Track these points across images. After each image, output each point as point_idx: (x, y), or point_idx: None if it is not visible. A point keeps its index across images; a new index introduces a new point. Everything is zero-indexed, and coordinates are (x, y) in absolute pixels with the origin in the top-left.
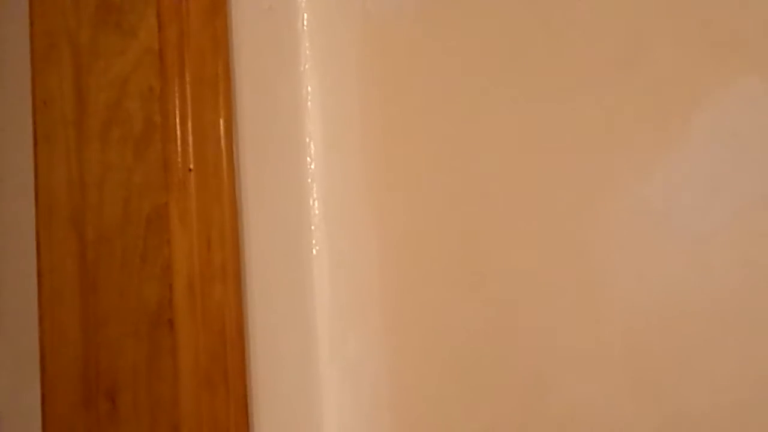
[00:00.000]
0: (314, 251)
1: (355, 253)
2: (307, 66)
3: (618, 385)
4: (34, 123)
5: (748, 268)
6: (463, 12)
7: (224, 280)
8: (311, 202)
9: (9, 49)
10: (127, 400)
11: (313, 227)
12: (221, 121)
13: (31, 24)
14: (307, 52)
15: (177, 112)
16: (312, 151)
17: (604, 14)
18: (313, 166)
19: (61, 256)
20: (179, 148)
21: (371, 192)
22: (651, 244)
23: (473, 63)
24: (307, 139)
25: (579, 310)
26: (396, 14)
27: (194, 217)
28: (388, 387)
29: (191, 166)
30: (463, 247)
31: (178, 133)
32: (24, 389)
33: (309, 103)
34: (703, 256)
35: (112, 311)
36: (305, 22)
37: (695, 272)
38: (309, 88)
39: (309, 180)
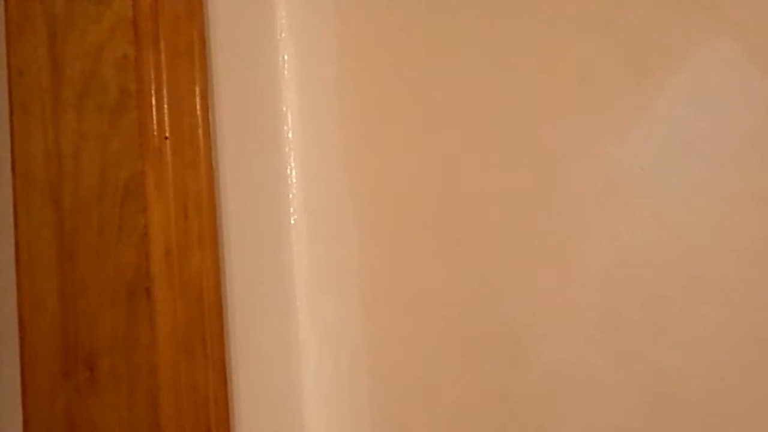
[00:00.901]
0: (292, 220)
1: (333, 221)
2: (283, 34)
3: (595, 347)
4: (10, 93)
5: (721, 229)
6: None
7: (201, 248)
8: (288, 171)
9: None
10: (105, 368)
11: (290, 195)
12: (197, 89)
13: None
14: (284, 20)
15: (152, 80)
16: (289, 120)
17: None
18: (290, 135)
19: (39, 226)
20: (155, 117)
21: (349, 160)
22: (625, 206)
23: (448, 27)
24: (284, 108)
25: (555, 272)
26: None
27: (170, 185)
28: (366, 352)
29: (167, 134)
30: (439, 212)
31: (153, 101)
32: (2, 359)
33: (285, 72)
34: (677, 217)
35: (89, 280)
36: None
37: (669, 233)
38: (285, 57)
39: (286, 149)
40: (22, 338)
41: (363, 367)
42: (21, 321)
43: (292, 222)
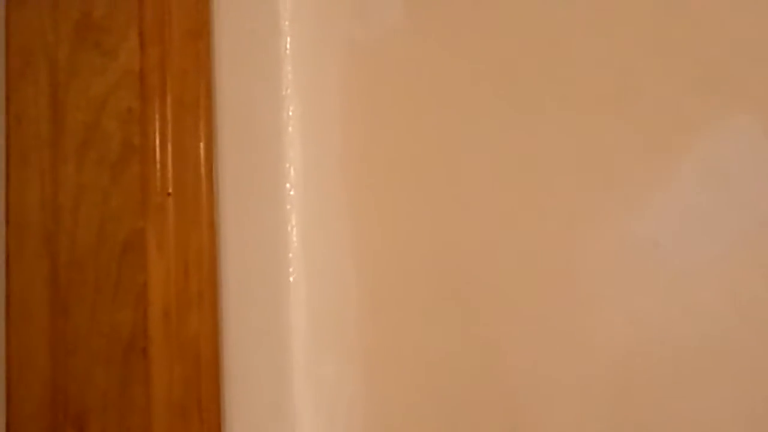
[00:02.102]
0: (291, 279)
1: (333, 281)
2: (288, 90)
3: (603, 425)
4: (8, 141)
5: (734, 306)
6: (451, 42)
7: (200, 307)
8: (289, 229)
9: None
10: (95, 429)
11: (290, 255)
12: (201, 145)
13: (7, 40)
14: (289, 76)
15: (157, 134)
16: (292, 177)
17: (598, 48)
18: (292, 193)
19: (32, 279)
20: (158, 172)
21: (351, 219)
22: (638, 279)
23: (459, 94)
24: (287, 165)
25: (562, 344)
26: (381, 41)
27: (172, 243)
28: (363, 415)
29: (170, 190)
30: (444, 277)
31: (158, 155)
32: None
33: (290, 128)
34: (690, 292)
35: (83, 337)
36: (288, 46)
37: (681, 309)
38: (290, 113)
39: (288, 206)
40: (9, 394)
41: (359, 427)
42: (9, 375)
43: (291, 281)
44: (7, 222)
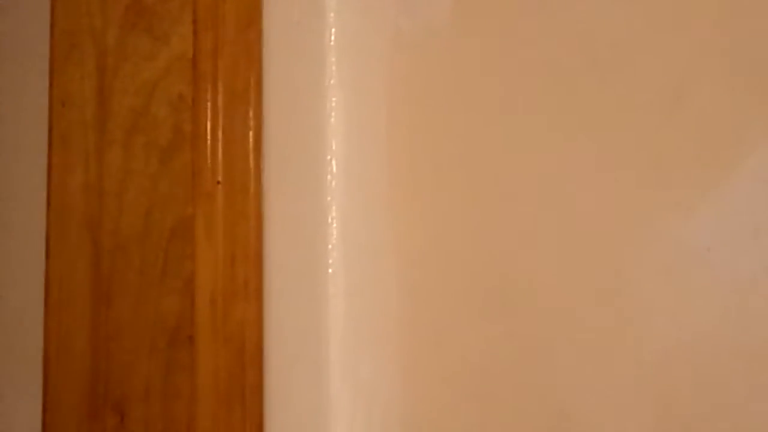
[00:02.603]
0: (330, 270)
1: (372, 275)
2: (332, 81)
3: (646, 427)
4: (51, 124)
5: None
6: (499, 39)
7: (246, 298)
8: (330, 221)
9: (29, 48)
10: (137, 415)
11: (330, 246)
12: (251, 134)
13: (52, 23)
14: (333, 67)
15: (208, 122)
16: (333, 169)
17: (654, 52)
18: (333, 184)
19: (73, 263)
20: (209, 160)
21: (393, 214)
22: (689, 285)
23: (507, 92)
24: (329, 157)
25: (608, 349)
26: (428, 33)
27: (220, 232)
28: (400, 411)
29: (219, 179)
30: (487, 277)
31: (209, 144)
32: (23, 398)
33: (333, 119)
34: (741, 297)
35: (126, 324)
36: (333, 37)
37: (732, 316)
38: (333, 104)
39: (328, 198)
40: (46, 378)
41: (396, 426)
42: (46, 359)
43: (330, 272)
44: (48, 205)
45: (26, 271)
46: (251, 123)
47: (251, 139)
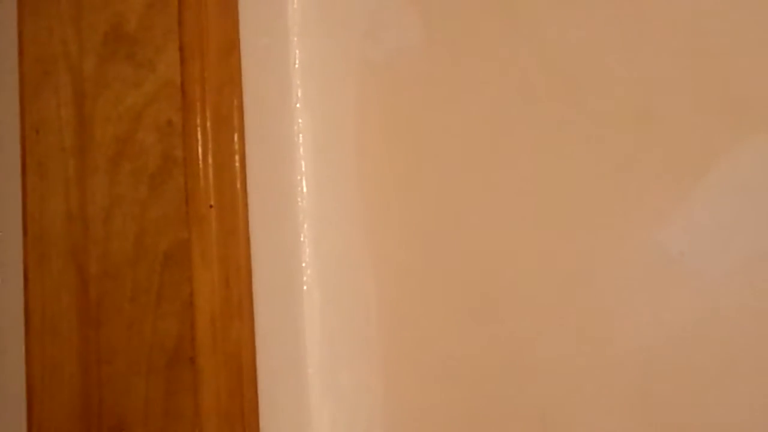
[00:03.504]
0: (305, 287)
1: (348, 289)
2: (298, 104)
3: (625, 424)
4: (23, 152)
5: (758, 314)
6: (469, 62)
7: (240, 317)
8: (302, 239)
9: None
10: None
11: (303, 264)
12: (236, 157)
13: (21, 49)
14: (299, 90)
15: (199, 147)
16: (303, 189)
17: (623, 70)
18: (304, 204)
19: (56, 291)
20: (202, 184)
21: (366, 229)
22: (663, 285)
23: (480, 109)
24: (299, 177)
25: (588, 350)
26: (396, 55)
27: (215, 254)
28: (382, 421)
29: (212, 203)
30: (466, 285)
31: (201, 168)
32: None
33: (300, 140)
34: (712, 298)
35: (119, 348)
36: (297, 61)
37: (703, 313)
38: (300, 125)
39: (300, 217)
40: (30, 406)
41: None
42: (31, 387)
43: (305, 289)
44: (25, 233)
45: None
46: (236, 147)
47: (237, 163)
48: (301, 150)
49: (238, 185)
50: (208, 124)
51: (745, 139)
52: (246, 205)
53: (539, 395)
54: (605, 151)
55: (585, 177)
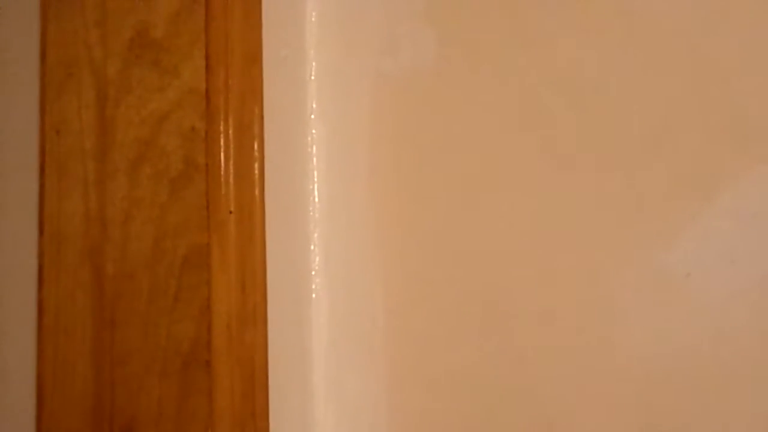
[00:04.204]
0: (314, 296)
1: (356, 299)
2: (312, 115)
3: None
4: (43, 152)
5: (756, 332)
6: (483, 82)
7: (255, 323)
8: (312, 248)
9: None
10: None
11: (313, 272)
12: (256, 165)
13: (44, 51)
14: (314, 101)
15: (221, 154)
16: (315, 199)
17: (635, 95)
18: (316, 214)
19: (71, 290)
20: (223, 190)
21: (376, 240)
22: (670, 307)
23: (492, 128)
24: (311, 187)
25: (593, 364)
26: (411, 71)
27: (233, 260)
28: (385, 430)
29: (232, 209)
30: (469, 299)
31: (222, 174)
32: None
33: (314, 151)
34: (716, 318)
35: (134, 349)
36: (313, 72)
37: (707, 333)
38: (315, 136)
39: (311, 226)
40: (40, 404)
41: None
42: (41, 386)
43: (314, 297)
44: (41, 232)
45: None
46: (256, 154)
47: (256, 170)
48: (315, 160)
49: (257, 192)
50: (231, 131)
51: (752, 169)
52: (263, 212)
53: (545, 406)
54: (615, 171)
55: (594, 195)
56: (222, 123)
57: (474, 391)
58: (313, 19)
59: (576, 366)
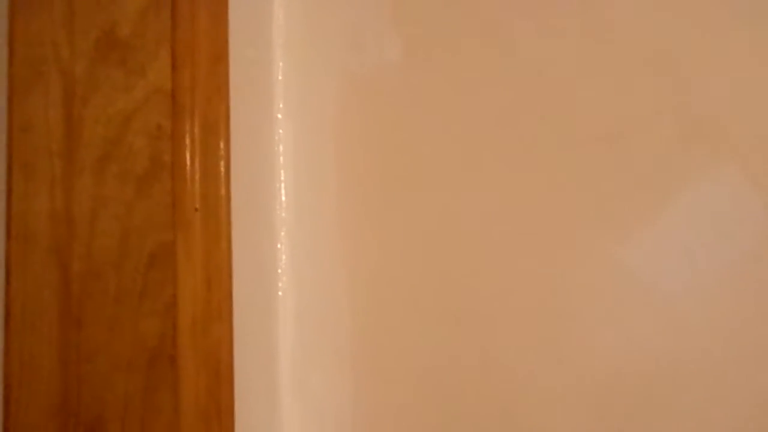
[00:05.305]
0: (280, 293)
1: (323, 296)
2: (279, 114)
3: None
4: (9, 150)
5: (713, 329)
6: (448, 80)
7: (220, 319)
8: (278, 246)
9: None
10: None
11: (279, 270)
12: (222, 164)
13: (12, 49)
14: (281, 101)
15: (187, 152)
16: (282, 197)
17: (593, 94)
18: (282, 213)
19: (38, 288)
20: (188, 188)
21: (342, 238)
22: (627, 303)
23: (455, 130)
24: (278, 185)
25: (556, 362)
26: (377, 74)
27: (199, 257)
28: (352, 426)
29: (197, 206)
30: (433, 299)
31: (188, 173)
32: None
33: (281, 149)
34: (674, 316)
35: (100, 346)
36: (280, 72)
37: (665, 330)
38: (281, 135)
39: (277, 224)
40: (7, 401)
41: None
42: (8, 384)
43: (280, 294)
44: (8, 231)
45: None
46: (222, 153)
47: (222, 169)
48: (281, 159)
49: (223, 191)
50: (196, 130)
51: (708, 167)
52: (229, 210)
53: (508, 404)
54: (575, 172)
55: (558, 194)
56: (188, 122)
57: (438, 389)
58: (280, 19)
59: (538, 363)
